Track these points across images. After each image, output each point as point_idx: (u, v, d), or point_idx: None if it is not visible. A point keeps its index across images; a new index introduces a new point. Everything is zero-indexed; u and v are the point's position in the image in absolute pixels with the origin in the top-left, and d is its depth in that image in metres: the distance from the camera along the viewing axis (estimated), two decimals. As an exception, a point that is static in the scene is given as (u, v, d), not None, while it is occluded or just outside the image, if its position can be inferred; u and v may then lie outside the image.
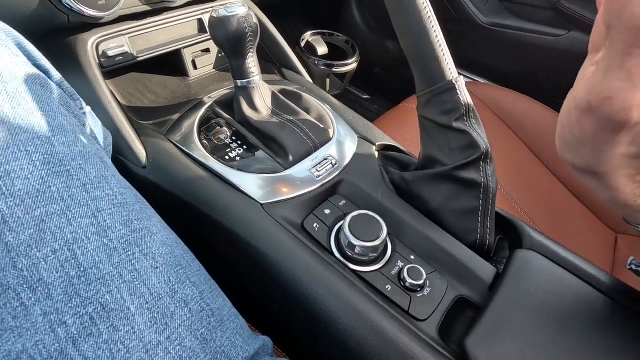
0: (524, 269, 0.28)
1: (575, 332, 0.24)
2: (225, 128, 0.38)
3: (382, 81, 1.13)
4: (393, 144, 0.40)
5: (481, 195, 0.30)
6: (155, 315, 0.20)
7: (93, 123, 0.28)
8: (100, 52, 0.39)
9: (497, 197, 0.60)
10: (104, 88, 0.37)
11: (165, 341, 0.19)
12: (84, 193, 0.20)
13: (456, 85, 0.30)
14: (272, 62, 0.52)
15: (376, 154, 0.39)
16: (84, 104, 0.28)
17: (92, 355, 0.17)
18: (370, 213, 0.29)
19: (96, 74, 0.37)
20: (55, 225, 0.19)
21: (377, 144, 0.39)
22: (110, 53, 0.39)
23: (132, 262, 0.21)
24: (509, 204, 0.62)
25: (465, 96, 0.31)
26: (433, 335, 0.25)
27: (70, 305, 0.18)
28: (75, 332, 0.18)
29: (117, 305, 0.19)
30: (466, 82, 0.81)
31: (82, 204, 0.20)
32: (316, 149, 0.36)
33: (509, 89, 0.79)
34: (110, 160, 0.26)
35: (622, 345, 0.23)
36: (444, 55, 0.30)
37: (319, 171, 0.34)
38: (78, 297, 0.18)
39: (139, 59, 0.41)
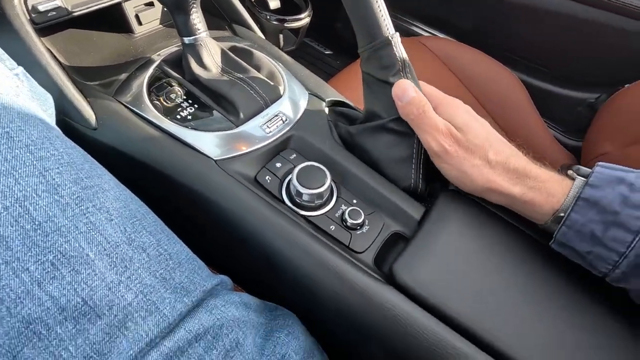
0: (447, 206, 0.32)
1: (492, 262, 0.29)
2: (175, 87, 0.38)
3: (343, 36, 1.11)
4: (342, 100, 0.42)
5: (414, 145, 0.34)
6: (114, 260, 0.22)
7: (29, 84, 0.27)
8: (30, 7, 0.36)
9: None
10: (40, 47, 0.36)
11: (125, 280, 0.22)
12: (28, 154, 0.21)
13: (392, 42, 0.32)
14: (221, 18, 0.51)
15: (326, 109, 0.41)
16: (14, 64, 0.28)
17: (58, 294, 0.20)
18: (316, 164, 0.32)
19: (28, 30, 0.36)
20: (3, 184, 0.20)
21: (327, 100, 0.41)
22: (42, 8, 0.37)
23: (86, 215, 0.22)
24: None
25: (400, 52, 0.33)
26: (369, 263, 0.30)
27: (30, 254, 0.20)
28: (39, 276, 0.20)
29: (76, 252, 0.21)
30: (426, 37, 0.83)
31: (27, 164, 0.21)
32: (267, 106, 0.37)
33: (465, 44, 0.81)
34: (53, 122, 0.27)
35: (539, 277, 0.29)
36: (380, 12, 0.31)
37: (269, 127, 0.36)
38: (37, 247, 0.20)
39: (75, 14, 0.39)
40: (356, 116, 0.40)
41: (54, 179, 0.22)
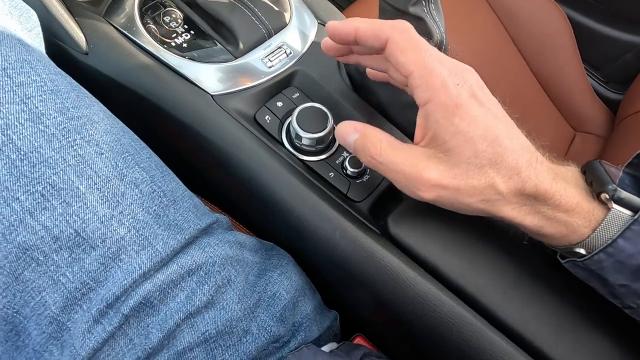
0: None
1: (486, 224, 0.27)
2: (170, 9, 0.35)
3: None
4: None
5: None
6: (106, 194, 0.22)
7: (6, 1, 0.25)
8: None
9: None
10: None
11: (118, 215, 0.22)
12: (6, 78, 0.20)
13: (416, -39, 0.27)
14: None
15: (327, 25, 0.37)
16: None
17: (50, 224, 0.20)
18: (318, 105, 0.30)
19: None
20: None
21: (337, 31, 0.37)
22: None
23: (74, 147, 0.22)
24: None
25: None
26: (365, 213, 0.29)
27: (18, 184, 0.20)
28: (30, 206, 0.20)
29: (66, 185, 0.21)
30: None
31: (6, 89, 0.20)
32: (269, 35, 0.34)
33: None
34: (35, 44, 0.25)
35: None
36: None
37: (271, 61, 0.33)
38: (25, 178, 0.20)
39: None
40: (369, 52, 0.36)
41: (37, 107, 0.21)
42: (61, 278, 0.20)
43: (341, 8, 0.94)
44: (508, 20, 0.69)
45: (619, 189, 0.21)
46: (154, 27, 0.34)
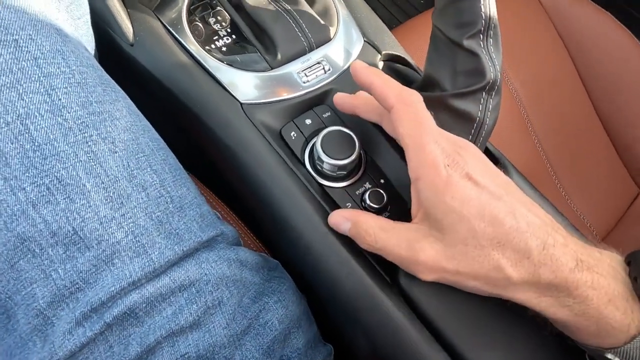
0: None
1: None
2: (219, 9, 0.34)
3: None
4: (401, 55, 0.35)
5: (472, 131, 0.28)
6: (111, 195, 0.22)
7: None
8: None
9: (514, 117, 0.55)
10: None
11: (119, 217, 0.22)
12: (35, 67, 0.20)
13: (481, -10, 0.24)
14: None
15: (380, 64, 0.35)
16: None
17: (50, 219, 0.20)
18: (347, 131, 0.28)
19: None
20: (6, 97, 0.19)
21: (383, 52, 0.35)
22: None
23: (89, 143, 0.22)
24: (524, 127, 0.56)
25: (489, 6, 0.25)
26: (378, 255, 0.27)
27: (27, 174, 0.20)
28: (34, 198, 0.20)
29: (73, 180, 0.21)
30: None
31: (33, 79, 0.20)
32: (310, 49, 0.32)
33: (592, 2, 0.63)
34: (82, 31, 0.25)
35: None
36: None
37: (307, 76, 0.31)
38: (34, 169, 0.20)
39: None
40: (414, 79, 0.34)
41: (60, 99, 0.21)
42: (52, 273, 0.20)
43: (397, 23, 0.92)
44: (578, 53, 0.62)
45: None
46: (200, 25, 0.34)
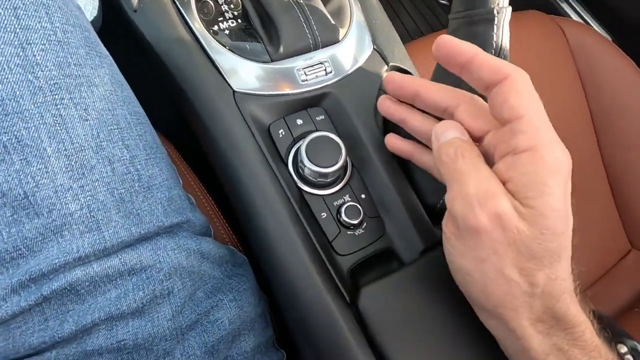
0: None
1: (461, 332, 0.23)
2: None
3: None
4: (409, 70, 0.34)
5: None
6: (73, 164, 0.21)
7: None
8: None
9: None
10: None
11: (77, 188, 0.21)
12: (13, 18, 0.19)
13: (496, 18, 0.23)
14: None
15: (384, 75, 0.33)
16: None
17: (2, 179, 0.19)
18: (336, 139, 0.27)
19: None
20: None
21: (390, 64, 0.33)
22: None
23: (58, 107, 0.20)
24: None
25: (502, 35, 0.24)
26: (342, 271, 0.26)
27: None
28: None
29: (33, 142, 0.20)
30: (568, 20, 0.64)
31: (8, 29, 0.19)
32: (315, 48, 0.31)
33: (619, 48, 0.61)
34: None
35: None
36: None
37: (307, 75, 0.30)
38: None
39: None
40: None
41: (35, 55, 0.20)
42: (-4, 235, 0.19)
43: (419, 34, 0.90)
44: (594, 96, 0.61)
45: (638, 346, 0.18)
46: (210, 2, 0.32)
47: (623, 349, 0.18)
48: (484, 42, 0.24)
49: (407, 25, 0.91)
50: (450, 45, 0.20)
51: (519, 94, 0.19)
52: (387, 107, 0.26)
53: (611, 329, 0.19)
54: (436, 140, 0.21)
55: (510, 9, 0.24)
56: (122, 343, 0.21)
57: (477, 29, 0.24)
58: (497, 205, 0.18)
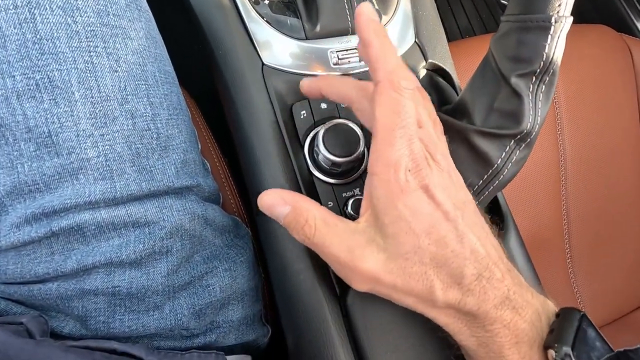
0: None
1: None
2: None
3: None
4: (445, 69, 0.32)
5: (486, 177, 0.25)
6: (97, 112, 0.21)
7: None
8: None
9: (550, 172, 0.50)
10: None
11: (97, 136, 0.21)
12: None
13: (552, 27, 0.21)
14: None
15: (423, 71, 0.32)
16: None
17: (30, 114, 0.20)
18: (356, 129, 0.26)
19: None
20: None
21: (429, 60, 0.32)
22: None
23: (91, 54, 0.21)
24: (556, 186, 0.51)
25: (555, 47, 0.22)
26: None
27: (21, 63, 0.19)
28: (21, 89, 0.20)
29: (64, 85, 0.20)
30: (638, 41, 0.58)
31: None
32: (353, 32, 0.30)
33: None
34: None
35: None
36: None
37: (339, 58, 0.29)
38: (29, 60, 0.20)
39: None
40: (449, 98, 0.31)
41: (77, 0, 0.20)
42: (19, 166, 0.20)
43: (472, 34, 0.85)
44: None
45: (572, 357, 0.17)
46: None
47: (552, 354, 0.18)
48: (533, 52, 0.22)
49: (460, 23, 0.86)
50: (358, 21, 0.21)
51: (379, 107, 0.19)
52: (304, 89, 0.25)
53: (559, 331, 0.19)
54: (271, 215, 0.22)
55: (570, 19, 0.22)
56: (117, 289, 0.22)
57: (529, 36, 0.22)
58: (365, 270, 0.19)
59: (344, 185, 0.27)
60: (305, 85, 0.25)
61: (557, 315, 0.20)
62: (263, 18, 0.30)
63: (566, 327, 0.18)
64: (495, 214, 0.29)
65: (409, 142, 0.19)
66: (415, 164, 0.19)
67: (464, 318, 0.19)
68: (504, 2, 0.90)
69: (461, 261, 0.18)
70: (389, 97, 0.19)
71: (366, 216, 0.20)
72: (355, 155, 0.26)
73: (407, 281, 0.19)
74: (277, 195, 0.21)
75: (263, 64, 0.29)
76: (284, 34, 0.29)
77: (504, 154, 0.24)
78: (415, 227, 0.18)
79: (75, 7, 0.20)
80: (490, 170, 0.25)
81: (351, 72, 0.29)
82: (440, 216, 0.19)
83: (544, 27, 0.21)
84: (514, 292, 0.19)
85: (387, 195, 0.19)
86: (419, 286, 0.19)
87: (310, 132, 0.28)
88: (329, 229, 0.20)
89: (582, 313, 0.19)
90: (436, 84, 0.32)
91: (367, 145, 0.28)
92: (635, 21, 0.70)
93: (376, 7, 0.30)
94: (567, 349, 0.17)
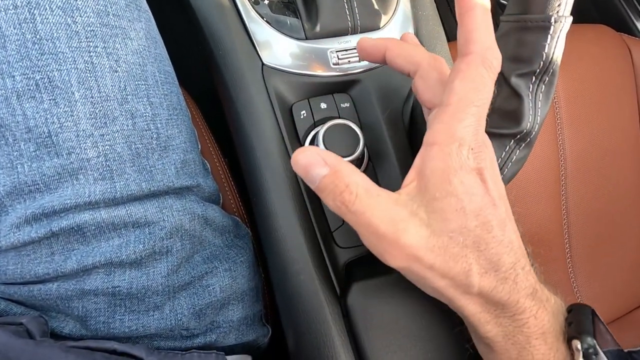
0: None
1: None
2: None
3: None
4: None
5: (485, 176, 0.25)
6: (97, 112, 0.21)
7: None
8: None
9: (550, 171, 0.50)
10: None
11: (97, 136, 0.21)
12: None
13: (552, 27, 0.21)
14: None
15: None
16: None
17: (30, 114, 0.20)
18: (356, 129, 0.26)
19: None
20: None
21: (429, 60, 0.32)
22: None
23: (91, 54, 0.21)
24: (556, 185, 0.51)
25: (555, 47, 0.22)
26: (338, 264, 0.26)
27: (20, 64, 0.19)
28: (20, 89, 0.20)
29: (63, 85, 0.20)
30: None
31: None
32: (353, 31, 0.30)
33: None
34: None
35: None
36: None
37: (339, 58, 0.29)
38: (29, 60, 0.20)
39: None
40: (450, 99, 0.31)
41: (76, 0, 0.20)
42: (19, 166, 0.20)
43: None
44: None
45: (597, 346, 0.18)
46: None
47: (577, 346, 0.18)
48: (533, 52, 0.22)
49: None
50: (367, 45, 0.23)
51: (463, 78, 0.19)
52: (364, 48, 0.24)
53: (577, 323, 0.19)
54: (306, 177, 0.19)
55: (570, 19, 0.22)
56: (117, 289, 0.22)
57: (528, 36, 0.22)
58: (407, 245, 0.18)
59: (344, 185, 0.27)
60: (366, 44, 0.23)
61: (569, 310, 0.20)
62: (263, 18, 0.30)
63: (583, 320, 0.19)
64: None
65: (478, 122, 0.18)
66: (477, 145, 0.18)
67: (492, 308, 0.19)
68: (503, 2, 0.90)
69: (501, 248, 0.18)
70: (477, 72, 0.18)
71: (410, 187, 0.19)
72: (355, 155, 0.26)
73: (446, 261, 0.18)
74: (316, 153, 0.19)
75: (263, 64, 0.29)
76: (283, 34, 0.29)
77: (504, 153, 0.24)
78: (467, 206, 0.18)
79: (75, 7, 0.20)
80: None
81: (350, 72, 0.29)
82: (490, 201, 0.18)
83: (543, 27, 0.21)
84: (541, 286, 0.19)
85: (444, 169, 0.18)
86: (457, 268, 0.18)
87: (311, 132, 0.28)
88: (371, 198, 0.18)
89: (591, 308, 0.19)
90: (436, 83, 0.32)
91: (367, 145, 0.28)
92: (635, 21, 0.70)
93: (376, 7, 0.30)
94: (591, 340, 0.18)
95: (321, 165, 0.18)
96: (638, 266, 0.55)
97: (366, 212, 0.18)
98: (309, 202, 0.26)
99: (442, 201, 0.18)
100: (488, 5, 0.19)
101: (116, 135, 0.22)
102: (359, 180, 0.18)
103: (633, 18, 0.68)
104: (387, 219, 0.18)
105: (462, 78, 0.18)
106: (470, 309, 0.19)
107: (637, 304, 0.54)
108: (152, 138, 0.24)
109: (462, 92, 0.18)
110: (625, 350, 0.19)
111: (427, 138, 0.19)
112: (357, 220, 0.18)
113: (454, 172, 0.18)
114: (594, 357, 0.17)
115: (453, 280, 0.18)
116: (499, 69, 0.19)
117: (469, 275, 0.18)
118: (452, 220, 0.18)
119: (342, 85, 0.29)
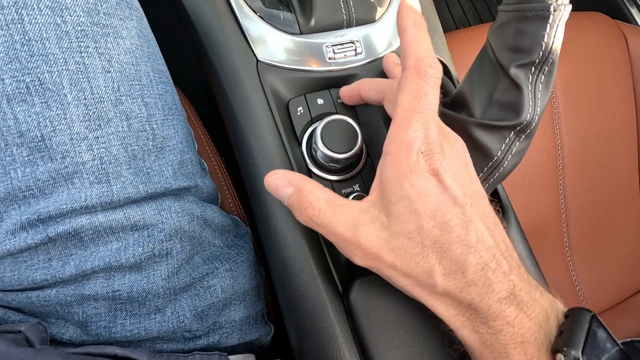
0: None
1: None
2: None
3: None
4: (444, 61, 0.32)
5: (486, 169, 0.25)
6: (90, 114, 0.21)
7: None
8: None
9: (548, 163, 0.50)
10: None
11: (92, 139, 0.21)
12: None
13: (551, 16, 0.21)
14: None
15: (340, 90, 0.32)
16: None
17: (22, 118, 0.19)
18: (354, 125, 0.26)
19: None
20: None
21: (425, 52, 0.31)
22: None
23: (82, 54, 0.20)
24: (554, 176, 0.51)
25: (554, 36, 0.21)
26: (339, 262, 0.25)
27: (9, 66, 0.19)
28: (11, 93, 0.19)
29: (55, 87, 0.20)
30: (636, 29, 0.58)
31: None
32: (348, 25, 0.29)
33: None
34: None
35: None
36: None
37: (335, 53, 0.29)
38: (18, 63, 0.19)
39: None
40: (448, 91, 0.31)
41: None
42: (12, 172, 0.20)
43: (466, 24, 0.84)
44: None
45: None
46: None
47: (561, 358, 0.17)
48: (532, 41, 0.22)
49: (454, 14, 0.85)
50: (346, 92, 0.27)
51: (402, 92, 0.19)
52: (345, 94, 0.27)
53: (568, 334, 0.18)
54: (277, 197, 0.22)
55: (569, 7, 0.21)
56: (117, 293, 0.22)
57: (527, 26, 0.22)
58: (368, 246, 0.19)
59: (343, 182, 0.27)
60: (345, 91, 0.27)
61: (566, 316, 0.19)
62: (256, 13, 0.29)
63: (576, 329, 0.18)
64: (495, 205, 0.29)
65: (424, 127, 0.19)
66: (428, 147, 0.19)
67: (465, 311, 0.19)
68: (498, -9, 0.89)
69: (465, 248, 0.18)
70: (413, 83, 0.19)
71: (373, 195, 0.20)
72: (354, 151, 0.25)
73: (407, 261, 0.18)
74: (282, 176, 0.21)
75: (257, 60, 0.28)
76: (277, 28, 0.29)
77: (503, 145, 0.24)
78: (419, 208, 0.18)
79: (64, 7, 0.20)
80: (491, 163, 0.25)
81: (346, 66, 0.29)
82: (448, 200, 0.18)
83: (542, 16, 0.21)
84: (520, 289, 0.18)
85: (395, 175, 0.19)
86: (419, 268, 0.18)
87: (308, 128, 0.28)
88: (333, 210, 0.20)
89: (592, 314, 0.18)
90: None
91: (366, 140, 0.27)
92: (630, 8, 0.70)
93: (372, 0, 0.30)
94: (576, 353, 0.17)
95: (286, 186, 0.21)
96: (636, 253, 0.55)
97: (331, 223, 0.19)
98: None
99: (397, 205, 0.19)
100: (421, 21, 0.20)
101: (111, 137, 0.22)
102: (320, 195, 0.20)
103: (628, 5, 0.68)
104: (350, 225, 0.19)
105: (402, 92, 0.19)
106: (442, 310, 0.19)
107: (635, 290, 0.54)
108: (148, 139, 0.23)
109: (404, 104, 0.19)
110: (628, 340, 0.18)
111: (383, 149, 0.20)
112: (324, 230, 0.20)
113: (404, 176, 0.19)
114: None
115: (416, 279, 0.19)
116: (437, 75, 0.19)
117: (432, 275, 0.18)
118: (408, 221, 0.18)
119: (339, 80, 0.29)
